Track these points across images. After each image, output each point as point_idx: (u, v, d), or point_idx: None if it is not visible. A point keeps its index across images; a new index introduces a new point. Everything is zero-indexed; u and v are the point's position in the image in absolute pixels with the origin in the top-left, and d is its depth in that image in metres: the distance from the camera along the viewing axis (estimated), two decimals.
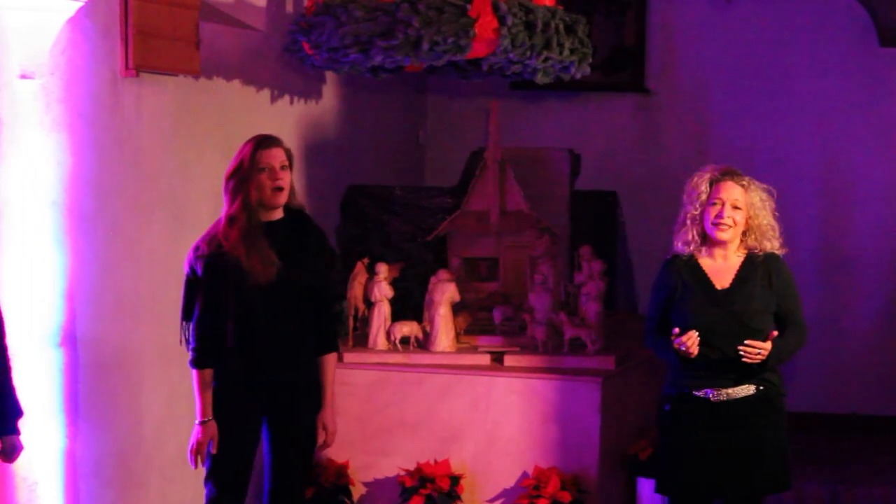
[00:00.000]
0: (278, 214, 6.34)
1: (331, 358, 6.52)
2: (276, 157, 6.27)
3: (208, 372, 6.28)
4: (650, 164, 10.45)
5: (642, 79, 10.79)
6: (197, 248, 6.30)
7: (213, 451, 6.25)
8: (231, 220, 6.23)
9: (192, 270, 6.31)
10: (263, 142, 6.31)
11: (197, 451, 6.28)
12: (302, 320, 6.37)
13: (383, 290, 8.35)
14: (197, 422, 6.30)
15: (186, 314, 6.36)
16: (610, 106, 10.80)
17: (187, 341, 6.37)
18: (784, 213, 6.34)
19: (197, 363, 6.28)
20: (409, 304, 8.56)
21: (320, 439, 6.51)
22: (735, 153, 9.63)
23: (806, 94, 10.50)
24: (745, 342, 6.04)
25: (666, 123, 10.73)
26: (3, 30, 6.40)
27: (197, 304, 6.30)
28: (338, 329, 7.05)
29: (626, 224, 10.49)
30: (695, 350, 6.05)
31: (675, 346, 6.11)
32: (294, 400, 6.41)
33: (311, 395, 6.46)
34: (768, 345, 6.05)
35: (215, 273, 6.23)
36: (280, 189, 6.27)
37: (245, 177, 6.23)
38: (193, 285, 6.33)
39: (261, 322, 6.27)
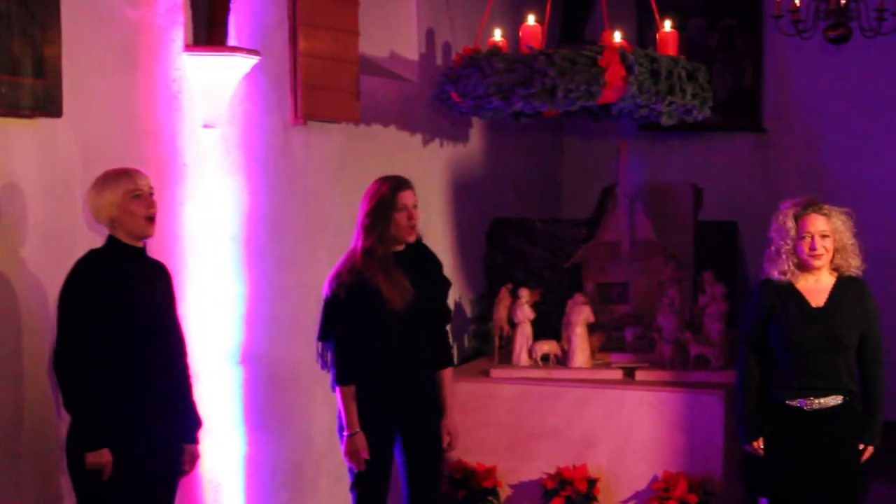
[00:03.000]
0: (402, 245, 6.41)
1: (448, 372, 6.58)
2: (412, 198, 6.37)
3: (351, 388, 6.33)
4: (767, 196, 10.31)
5: (759, 119, 10.70)
6: (338, 275, 6.34)
7: (367, 456, 6.32)
8: (368, 251, 6.29)
9: (334, 295, 6.35)
10: (402, 184, 6.38)
11: (353, 458, 6.36)
12: (426, 339, 6.44)
13: (525, 313, 8.38)
14: (345, 434, 6.36)
15: (323, 335, 6.43)
16: (729, 144, 10.74)
17: (325, 361, 6.45)
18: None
19: (340, 381, 6.34)
20: (549, 325, 8.54)
21: (445, 443, 6.58)
22: (845, 187, 9.53)
23: None
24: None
25: (781, 159, 10.64)
26: (190, 85, 6.55)
27: (338, 326, 6.36)
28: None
29: (745, 251, 10.41)
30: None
31: (750, 449, 6.32)
32: (422, 411, 6.47)
33: (435, 406, 6.53)
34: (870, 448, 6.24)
35: (358, 299, 6.28)
36: (413, 227, 6.37)
37: (384, 214, 6.31)
38: (333, 309, 6.37)
39: (395, 342, 6.32)
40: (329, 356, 6.41)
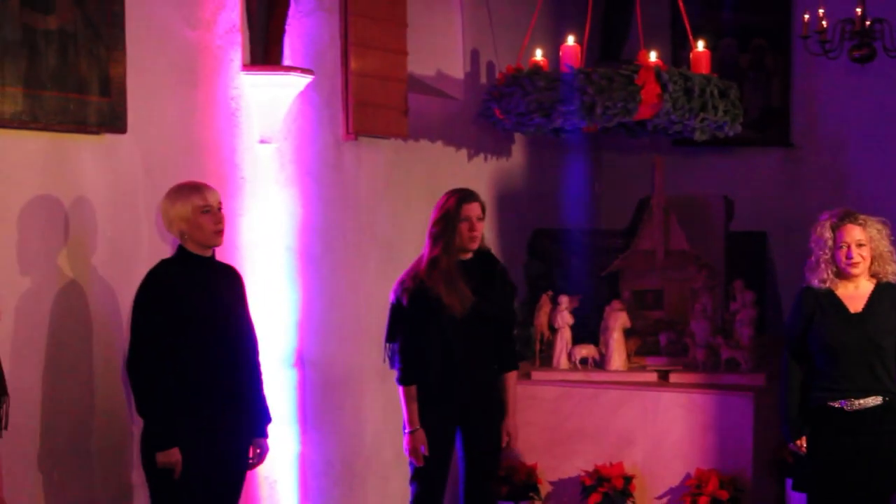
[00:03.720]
0: (469, 255, 6.39)
1: (512, 375, 6.55)
2: (476, 210, 6.34)
3: (413, 388, 6.33)
4: (795, 208, 10.29)
5: (788, 135, 10.64)
6: (403, 282, 6.36)
7: (426, 452, 6.30)
8: (433, 260, 6.29)
9: (398, 301, 6.37)
10: (467, 196, 6.37)
11: (412, 454, 6.34)
12: (488, 344, 6.40)
13: (565, 318, 8.35)
14: (406, 431, 6.36)
15: (390, 337, 6.42)
16: (759, 158, 10.67)
17: (391, 361, 6.43)
18: None
19: (403, 380, 6.34)
20: (587, 330, 8.52)
21: (504, 443, 6.54)
22: (869, 198, 9.43)
23: None
24: None
25: (808, 173, 10.56)
26: (247, 103, 6.55)
27: (402, 329, 6.36)
28: (520, 350, 7.08)
29: (774, 260, 10.36)
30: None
31: (793, 448, 6.30)
32: (482, 411, 6.44)
33: (496, 407, 6.49)
34: None
35: (419, 305, 6.29)
36: (475, 237, 6.34)
37: (449, 225, 6.30)
38: (398, 313, 6.38)
39: (455, 346, 6.30)
40: (394, 357, 6.39)
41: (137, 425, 5.55)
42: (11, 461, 4.88)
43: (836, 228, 6.12)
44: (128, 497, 5.85)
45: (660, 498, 8.08)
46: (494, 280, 6.45)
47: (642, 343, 8.61)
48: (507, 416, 6.52)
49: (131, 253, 5.81)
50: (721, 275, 9.04)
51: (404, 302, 6.33)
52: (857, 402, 6.09)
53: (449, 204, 6.33)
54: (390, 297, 6.43)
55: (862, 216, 6.15)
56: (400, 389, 6.36)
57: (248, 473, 5.83)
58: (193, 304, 5.43)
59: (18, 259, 5.29)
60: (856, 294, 6.17)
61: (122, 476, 5.81)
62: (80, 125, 5.52)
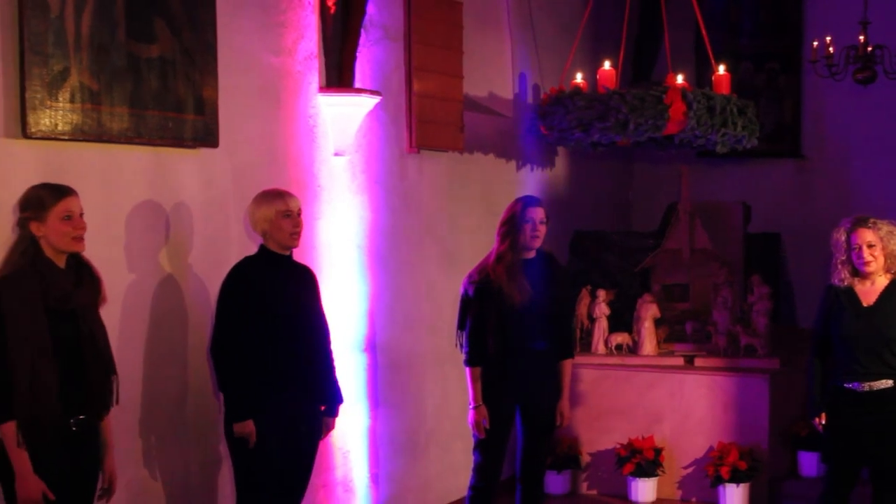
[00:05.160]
0: (532, 254, 6.35)
1: (568, 362, 6.50)
2: (539, 214, 6.31)
3: (478, 369, 6.29)
4: (805, 212, 10.21)
5: (799, 147, 10.55)
6: (471, 276, 6.35)
7: (487, 426, 6.28)
8: (499, 257, 6.27)
9: (466, 292, 6.35)
10: (532, 202, 6.35)
11: (476, 427, 6.33)
12: (546, 333, 6.35)
13: (602, 310, 8.34)
14: (471, 406, 6.32)
15: (460, 325, 6.39)
16: (774, 168, 10.58)
17: (461, 346, 6.41)
18: None
19: (469, 362, 6.31)
20: (622, 320, 8.49)
21: (558, 422, 6.51)
22: (874, 205, 9.31)
23: None
24: None
25: (818, 181, 10.46)
26: (324, 121, 6.56)
27: (469, 318, 6.34)
28: (571, 341, 7.04)
29: (787, 258, 10.28)
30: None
31: (814, 424, 6.27)
32: (540, 392, 6.39)
33: (552, 389, 6.44)
34: None
35: (483, 296, 6.26)
36: (537, 237, 6.32)
37: (515, 226, 6.28)
38: (466, 304, 6.35)
39: (515, 334, 6.27)
40: (463, 341, 6.37)
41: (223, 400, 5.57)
42: (117, 432, 4.91)
43: (850, 232, 6.09)
44: (217, 464, 5.87)
45: (686, 468, 8.06)
46: (553, 277, 6.41)
47: (670, 331, 8.60)
48: (561, 398, 6.47)
49: (222, 251, 5.84)
50: (740, 271, 9.00)
51: (471, 293, 6.31)
52: (867, 384, 6.03)
53: (516, 207, 6.31)
54: (461, 290, 6.41)
55: (872, 219, 6.09)
56: (466, 370, 6.33)
57: (324, 445, 5.83)
58: (270, 296, 5.44)
59: (125, 256, 5.33)
60: (871, 289, 6.12)
61: (212, 445, 5.83)
62: (178, 140, 5.55)
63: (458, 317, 6.42)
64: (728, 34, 10.41)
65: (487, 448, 6.36)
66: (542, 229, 6.31)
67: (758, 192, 10.21)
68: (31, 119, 4.80)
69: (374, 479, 7.10)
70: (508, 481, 6.87)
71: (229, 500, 5.81)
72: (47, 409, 4.39)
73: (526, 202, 6.34)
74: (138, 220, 5.39)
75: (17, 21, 4.77)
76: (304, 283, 5.68)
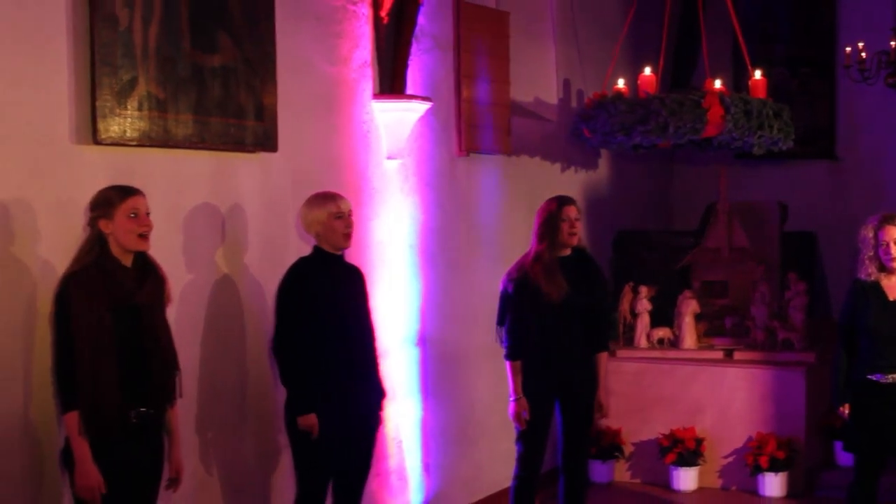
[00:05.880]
0: (568, 251, 6.32)
1: (603, 355, 6.44)
2: (574, 212, 6.27)
3: (517, 363, 6.27)
4: (839, 211, 10.12)
5: (833, 149, 10.46)
6: (510, 274, 6.32)
7: (528, 417, 6.26)
8: (537, 255, 6.25)
9: (506, 290, 6.33)
10: (566, 201, 6.30)
11: (516, 419, 6.31)
12: (582, 328, 6.31)
13: (644, 305, 8.32)
14: (512, 399, 6.31)
15: (500, 320, 6.36)
16: (808, 169, 10.49)
17: (501, 340, 6.37)
18: None
19: (509, 356, 6.28)
20: (663, 315, 8.45)
21: (596, 413, 6.47)
22: None
23: None
24: None
25: (851, 182, 10.36)
26: (377, 126, 6.56)
27: (508, 314, 6.31)
28: (609, 333, 7.01)
29: (822, 255, 10.20)
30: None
31: (839, 413, 6.21)
32: (578, 385, 6.35)
33: (590, 382, 6.39)
34: None
35: (522, 292, 6.23)
36: (574, 234, 6.28)
37: (551, 225, 6.25)
38: (506, 300, 6.33)
39: (553, 328, 6.24)
40: (503, 336, 6.34)
41: (281, 394, 5.56)
42: (180, 425, 4.91)
43: (877, 229, 6.04)
44: (274, 455, 5.87)
45: (726, 457, 8.02)
46: (588, 274, 6.37)
47: (710, 326, 8.54)
48: (599, 389, 6.43)
49: (279, 252, 5.83)
50: (777, 268, 8.94)
51: (510, 290, 6.29)
52: (890, 376, 5.98)
53: (551, 207, 6.28)
54: (500, 287, 6.39)
55: None
56: (507, 364, 6.31)
57: (379, 436, 5.82)
58: (324, 295, 5.43)
59: (184, 257, 5.34)
60: None
61: (270, 437, 5.83)
62: (239, 145, 5.56)
63: (497, 313, 6.39)
64: (763, 41, 10.34)
65: (529, 439, 6.33)
66: (578, 227, 6.28)
67: (793, 192, 10.13)
68: (101, 126, 4.82)
69: (426, 468, 7.09)
70: (553, 471, 6.84)
71: (285, 492, 5.82)
72: (108, 400, 4.41)
73: (561, 201, 6.30)
74: (198, 221, 5.40)
75: (89, 33, 4.80)
76: (353, 282, 5.68)
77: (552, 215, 6.24)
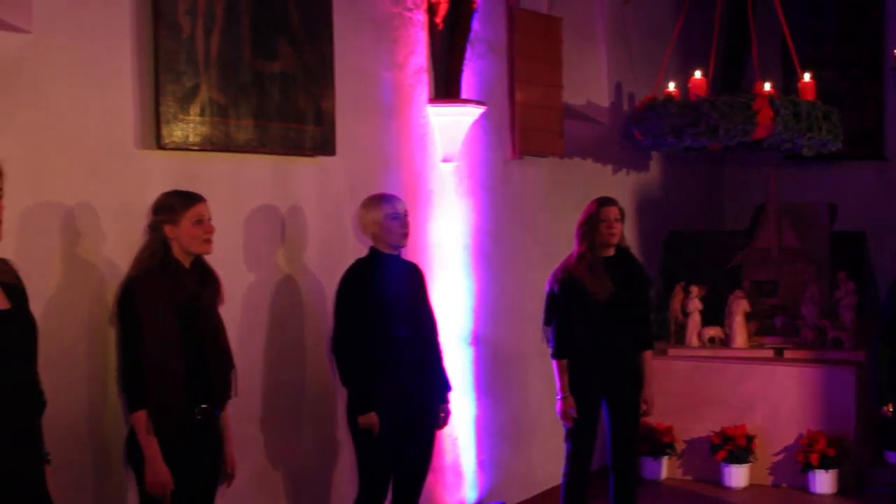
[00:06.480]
0: (612, 251, 6.26)
1: (648, 353, 6.36)
2: (613, 212, 6.21)
3: (564, 361, 6.22)
4: (888, 211, 10.03)
5: (882, 150, 10.35)
6: (555, 274, 6.28)
7: (575, 415, 6.21)
8: (580, 256, 6.20)
9: (552, 290, 6.28)
10: (606, 201, 6.25)
11: (564, 417, 6.26)
12: (627, 326, 6.24)
13: (695, 304, 8.24)
14: (559, 397, 6.25)
15: (547, 320, 6.32)
16: (857, 170, 10.38)
17: (547, 340, 6.33)
18: None
19: (556, 355, 6.23)
20: (714, 314, 8.37)
21: (642, 409, 6.40)
22: None
23: None
24: None
25: None
26: (433, 130, 6.55)
27: (554, 314, 6.26)
28: (656, 332, 6.92)
29: (871, 255, 10.08)
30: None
31: (882, 412, 5.96)
32: (624, 383, 6.28)
33: (635, 380, 6.32)
34: None
35: (568, 292, 6.18)
36: (613, 234, 6.22)
37: (591, 225, 6.20)
38: (552, 300, 6.28)
39: (598, 327, 6.18)
40: (550, 336, 6.29)
41: (341, 392, 5.54)
42: (238, 421, 4.92)
43: None
44: (333, 452, 5.86)
45: (777, 454, 7.93)
46: (632, 274, 6.31)
47: (760, 325, 8.47)
48: (644, 386, 6.36)
49: (337, 253, 5.82)
50: (826, 268, 8.84)
51: (556, 290, 6.24)
52: None
53: (591, 209, 6.23)
54: (546, 288, 6.34)
55: None
56: (553, 363, 6.26)
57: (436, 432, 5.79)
58: (383, 294, 5.41)
59: (245, 257, 5.34)
60: None
61: (328, 434, 5.82)
62: (299, 149, 5.56)
63: (544, 313, 6.35)
64: (812, 43, 10.23)
65: (577, 437, 6.28)
66: (618, 227, 6.21)
67: (842, 193, 10.03)
68: (164, 131, 4.83)
69: (481, 465, 7.05)
70: (605, 469, 6.78)
71: (344, 486, 5.81)
72: (175, 398, 4.42)
73: (600, 202, 6.24)
74: (258, 223, 5.40)
75: (152, 41, 4.81)
76: (412, 279, 5.66)
77: (592, 216, 6.20)
